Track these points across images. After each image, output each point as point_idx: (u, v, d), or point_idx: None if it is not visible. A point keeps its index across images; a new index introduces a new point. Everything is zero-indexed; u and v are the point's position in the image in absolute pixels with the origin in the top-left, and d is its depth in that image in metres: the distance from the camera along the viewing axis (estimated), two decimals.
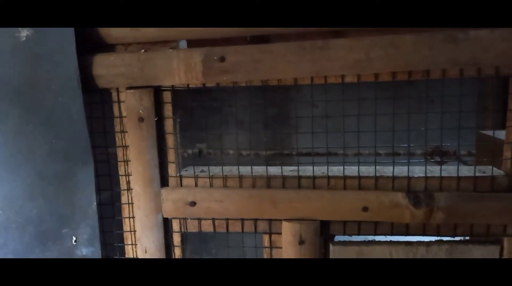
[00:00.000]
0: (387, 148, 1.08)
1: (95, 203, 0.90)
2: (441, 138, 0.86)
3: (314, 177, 0.91)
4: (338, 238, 0.98)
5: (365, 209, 0.87)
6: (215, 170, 0.96)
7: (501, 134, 0.90)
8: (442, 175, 0.87)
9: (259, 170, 0.93)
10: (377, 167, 0.94)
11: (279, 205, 0.90)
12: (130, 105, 0.91)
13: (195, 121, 0.97)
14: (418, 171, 0.90)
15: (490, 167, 0.89)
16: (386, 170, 0.91)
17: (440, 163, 1.14)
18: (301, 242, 0.90)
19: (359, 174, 0.89)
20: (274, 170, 0.93)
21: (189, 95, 0.94)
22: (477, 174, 0.86)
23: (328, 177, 0.90)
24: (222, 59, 0.85)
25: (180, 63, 0.87)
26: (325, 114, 0.98)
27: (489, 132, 1.08)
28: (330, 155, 1.03)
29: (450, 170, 0.91)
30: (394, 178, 0.88)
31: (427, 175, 0.88)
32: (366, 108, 0.86)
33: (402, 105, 0.89)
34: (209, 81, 0.87)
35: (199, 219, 0.95)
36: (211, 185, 0.93)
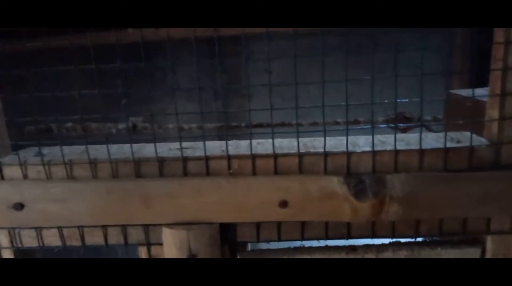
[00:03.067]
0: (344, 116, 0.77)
1: None
2: (395, 102, 0.57)
3: (206, 158, 0.59)
4: (252, 246, 0.68)
5: (284, 203, 0.57)
6: (70, 152, 0.62)
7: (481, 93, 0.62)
8: (398, 148, 0.57)
9: (130, 149, 0.60)
10: (305, 139, 0.64)
11: (155, 203, 0.58)
12: None
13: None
14: (363, 143, 0.61)
15: (468, 133, 0.61)
16: (317, 144, 0.61)
17: (403, 131, 0.83)
18: (192, 255, 0.59)
19: (274, 150, 0.58)
20: (151, 149, 0.61)
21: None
22: (448, 145, 0.58)
23: (228, 157, 0.59)
24: None
25: None
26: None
27: (464, 91, 0.79)
28: (283, 125, 0.71)
29: (409, 139, 0.62)
30: (326, 154, 0.58)
31: (376, 148, 0.58)
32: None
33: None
34: None
35: (38, 229, 0.62)
36: (48, 177, 0.60)
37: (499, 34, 0.55)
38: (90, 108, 0.58)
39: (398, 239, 0.62)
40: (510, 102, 0.55)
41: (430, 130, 0.75)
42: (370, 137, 0.60)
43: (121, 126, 0.69)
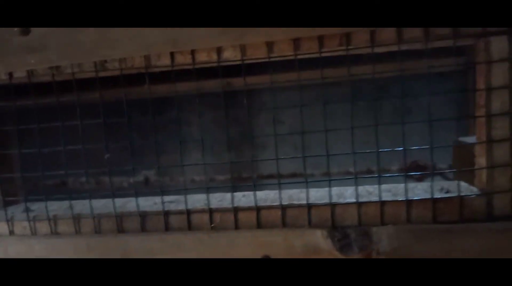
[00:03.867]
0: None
1: None
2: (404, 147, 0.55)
3: (188, 212, 0.58)
4: None
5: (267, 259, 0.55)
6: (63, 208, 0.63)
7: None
8: (385, 199, 0.55)
9: (113, 204, 0.60)
10: (291, 191, 0.62)
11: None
12: None
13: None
14: (350, 194, 0.59)
15: (463, 183, 0.58)
16: (304, 196, 0.60)
17: (418, 180, 0.80)
18: None
19: (255, 202, 0.57)
20: (140, 204, 0.61)
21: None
22: (437, 195, 0.55)
23: (210, 211, 0.58)
24: None
25: None
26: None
27: (470, 139, 0.77)
28: (293, 176, 0.70)
29: (398, 190, 0.59)
30: (309, 206, 0.56)
31: (361, 200, 0.56)
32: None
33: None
34: None
35: None
36: (33, 233, 0.60)
37: (480, 80, 0.54)
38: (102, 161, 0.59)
39: None
40: (498, 150, 0.53)
41: (446, 178, 0.72)
42: (360, 187, 0.58)
43: (133, 179, 0.70)
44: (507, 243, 0.52)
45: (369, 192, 0.59)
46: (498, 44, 0.51)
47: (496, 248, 0.52)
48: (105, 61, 0.57)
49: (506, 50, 0.51)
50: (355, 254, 0.53)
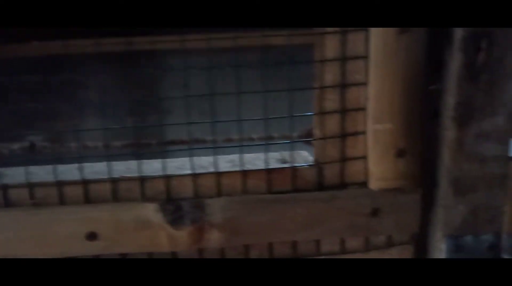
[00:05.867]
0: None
1: None
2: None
3: (3, 187, 0.52)
4: None
5: (92, 236, 0.51)
6: None
7: None
8: (222, 169, 0.54)
9: None
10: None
11: None
12: None
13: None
14: (207, 164, 0.56)
15: (305, 153, 0.59)
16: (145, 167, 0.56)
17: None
18: None
19: (83, 177, 0.52)
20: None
21: None
22: (273, 165, 0.55)
23: (30, 186, 0.52)
24: None
25: None
26: None
27: None
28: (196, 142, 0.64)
29: (253, 159, 0.59)
30: (142, 179, 0.53)
31: (197, 171, 0.54)
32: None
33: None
34: None
35: None
36: None
37: (317, 53, 0.54)
38: None
39: None
40: (331, 121, 0.54)
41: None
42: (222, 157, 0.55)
43: (17, 145, 0.59)
44: (334, 211, 0.54)
45: (210, 162, 0.57)
46: None
47: (324, 216, 0.54)
48: None
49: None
50: (187, 227, 0.52)
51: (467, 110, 0.54)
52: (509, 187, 0.57)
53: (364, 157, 0.54)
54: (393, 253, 0.58)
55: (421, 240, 0.61)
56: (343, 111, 0.53)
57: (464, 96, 0.53)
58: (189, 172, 0.53)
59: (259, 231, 0.54)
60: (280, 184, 0.54)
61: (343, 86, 0.52)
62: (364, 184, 0.55)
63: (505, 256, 0.58)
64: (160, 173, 0.53)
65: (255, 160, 0.57)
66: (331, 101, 0.53)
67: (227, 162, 0.56)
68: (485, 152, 0.56)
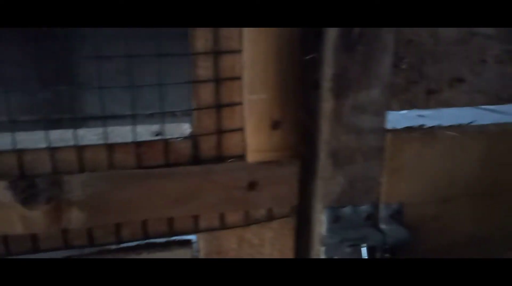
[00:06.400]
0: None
1: None
2: None
3: None
4: None
5: None
6: None
7: None
8: (85, 142, 0.49)
9: None
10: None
11: None
12: None
13: None
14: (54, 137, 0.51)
15: (186, 125, 0.56)
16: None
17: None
18: None
19: None
20: None
21: None
22: (144, 138, 0.51)
23: None
24: None
25: None
26: None
27: None
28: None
29: (122, 132, 0.54)
30: None
31: (55, 145, 0.48)
32: None
33: None
34: None
35: None
36: None
37: None
38: None
39: (99, 247, 0.54)
40: (205, 90, 0.51)
41: None
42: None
43: None
44: (210, 185, 0.52)
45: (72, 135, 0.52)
46: None
47: (199, 190, 0.52)
48: None
49: None
50: (42, 206, 0.47)
51: (344, 81, 0.54)
52: (385, 158, 0.59)
53: (241, 129, 0.52)
54: (274, 227, 0.58)
55: (303, 212, 0.61)
56: (217, 80, 0.50)
57: (341, 67, 0.53)
58: (44, 146, 0.48)
59: (129, 209, 0.50)
60: (151, 158, 0.51)
61: (216, 53, 0.49)
62: (242, 157, 0.53)
63: (382, 226, 0.60)
64: (10, 147, 0.47)
65: (126, 133, 0.53)
66: (204, 68, 0.50)
67: (94, 135, 0.51)
68: (362, 124, 0.56)
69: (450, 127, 0.61)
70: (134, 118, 0.50)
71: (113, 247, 0.53)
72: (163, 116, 0.50)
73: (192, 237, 0.57)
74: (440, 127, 0.61)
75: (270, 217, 0.57)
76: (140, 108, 0.52)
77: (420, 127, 0.60)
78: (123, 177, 0.49)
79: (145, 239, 0.53)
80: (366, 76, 0.54)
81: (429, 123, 0.62)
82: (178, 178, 0.51)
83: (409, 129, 0.59)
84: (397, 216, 0.61)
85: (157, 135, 0.52)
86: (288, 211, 0.57)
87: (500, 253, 0.69)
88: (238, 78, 0.50)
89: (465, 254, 0.67)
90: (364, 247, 0.56)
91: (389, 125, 0.57)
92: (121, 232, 0.52)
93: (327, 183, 0.57)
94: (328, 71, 0.53)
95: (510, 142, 0.62)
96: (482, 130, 0.61)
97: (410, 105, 0.57)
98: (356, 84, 0.54)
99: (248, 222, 0.56)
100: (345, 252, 0.60)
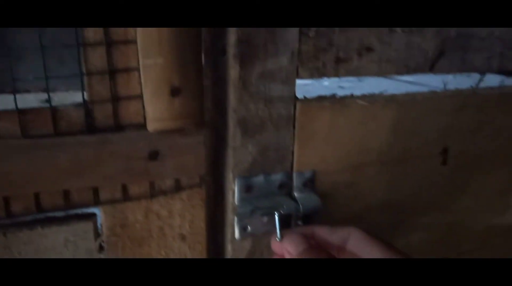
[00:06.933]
0: None
1: None
2: None
3: None
4: None
5: None
6: None
7: None
8: None
9: None
10: None
11: None
12: None
13: None
14: None
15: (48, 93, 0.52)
16: None
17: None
18: None
19: None
20: None
21: None
22: (28, 105, 0.47)
23: None
24: None
25: None
26: None
27: None
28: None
29: None
30: None
31: None
32: None
33: None
34: None
35: None
36: None
37: None
38: None
39: None
40: (96, 54, 0.47)
41: None
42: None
43: None
44: (107, 156, 0.50)
45: None
46: None
47: (95, 161, 0.49)
48: None
49: None
50: None
51: (249, 48, 0.52)
52: (296, 127, 0.58)
53: (140, 97, 0.49)
54: (183, 198, 0.56)
55: (215, 182, 0.60)
56: (109, 43, 0.46)
57: (245, 33, 0.51)
58: None
59: (15, 182, 0.47)
60: (39, 127, 0.47)
61: None
62: (143, 126, 0.51)
63: (296, 194, 0.61)
64: None
65: (11, 100, 0.48)
66: (93, 31, 0.46)
67: None
68: (270, 92, 0.55)
69: (362, 97, 0.61)
70: (14, 83, 0.45)
71: (6, 222, 0.50)
72: (48, 81, 0.46)
73: (96, 210, 0.54)
74: (351, 97, 0.61)
75: (177, 188, 0.55)
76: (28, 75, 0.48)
77: (331, 97, 0.60)
78: (7, 147, 0.45)
79: (41, 213, 0.50)
80: (272, 42, 0.52)
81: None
82: (70, 149, 0.48)
83: (320, 98, 0.59)
84: (310, 184, 0.62)
85: (46, 102, 0.48)
86: (197, 181, 0.56)
87: (411, 218, 0.72)
88: (133, 41, 0.47)
89: (377, 219, 0.70)
90: (276, 215, 0.56)
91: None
92: (11, 206, 0.49)
93: (238, 152, 0.56)
94: (232, 37, 0.51)
95: (419, 111, 0.63)
96: (392, 99, 0.62)
97: (319, 74, 0.56)
98: (263, 51, 0.52)
99: (154, 193, 0.54)
100: (258, 221, 0.60)
